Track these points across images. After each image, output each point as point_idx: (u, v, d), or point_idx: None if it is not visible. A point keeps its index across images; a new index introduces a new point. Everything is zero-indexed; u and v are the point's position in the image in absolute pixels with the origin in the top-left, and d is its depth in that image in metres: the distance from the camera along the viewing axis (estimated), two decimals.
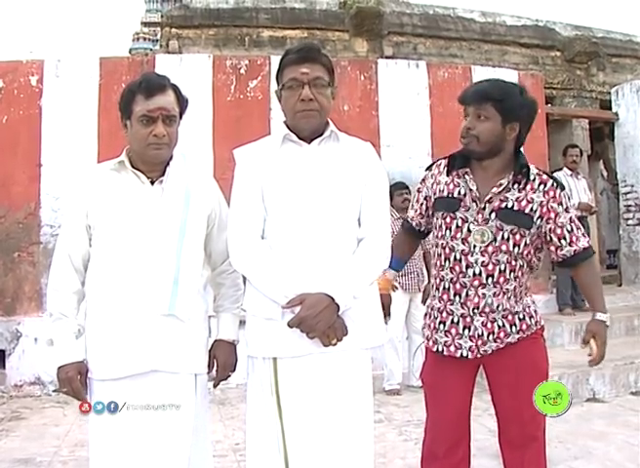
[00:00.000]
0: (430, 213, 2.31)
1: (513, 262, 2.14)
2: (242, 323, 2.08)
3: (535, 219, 2.13)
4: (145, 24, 48.40)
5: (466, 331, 2.17)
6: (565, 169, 6.64)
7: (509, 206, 2.12)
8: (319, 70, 1.94)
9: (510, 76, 6.79)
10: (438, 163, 2.31)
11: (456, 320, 2.18)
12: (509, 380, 2.18)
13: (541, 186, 2.15)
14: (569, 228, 2.16)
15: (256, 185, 1.95)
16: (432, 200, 2.26)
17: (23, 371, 5.36)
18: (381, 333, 2.03)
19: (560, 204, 2.15)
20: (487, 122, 2.10)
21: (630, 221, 7.65)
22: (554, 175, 6.48)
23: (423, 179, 2.35)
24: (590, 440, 3.81)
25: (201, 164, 5.51)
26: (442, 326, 2.20)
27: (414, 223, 2.40)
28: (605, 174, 12.08)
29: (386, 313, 2.29)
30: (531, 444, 2.19)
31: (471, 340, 2.16)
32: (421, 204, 2.34)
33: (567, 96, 11.19)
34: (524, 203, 2.12)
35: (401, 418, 4.41)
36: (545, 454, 2.26)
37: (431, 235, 2.34)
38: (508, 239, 2.13)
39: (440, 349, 2.20)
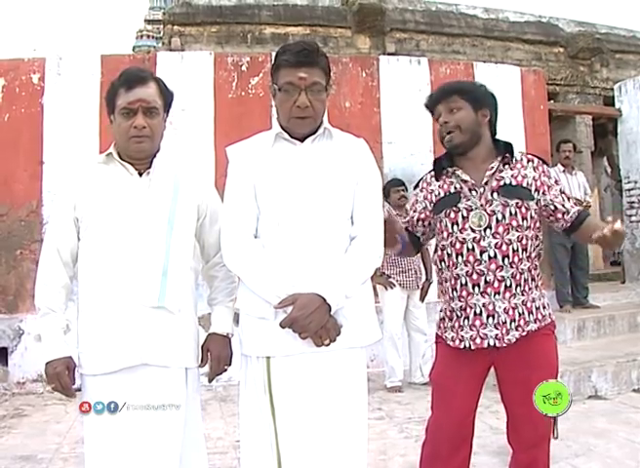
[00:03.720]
0: (427, 223, 2.34)
1: (524, 240, 2.17)
2: (237, 320, 2.07)
3: (532, 193, 2.20)
4: (149, 22, 48.41)
5: (490, 319, 2.16)
6: (558, 165, 6.57)
7: (507, 182, 2.18)
8: (317, 75, 1.91)
9: (513, 73, 6.79)
10: (424, 178, 2.39)
11: (478, 311, 2.18)
12: (521, 378, 2.17)
13: (530, 163, 2.25)
14: (564, 196, 2.27)
15: (248, 184, 1.94)
16: (430, 208, 2.29)
17: (26, 369, 5.36)
18: (375, 331, 2.01)
19: (549, 177, 2.26)
20: (460, 111, 2.20)
21: (634, 218, 7.63)
22: None
23: (414, 199, 2.39)
24: (592, 437, 3.79)
25: (202, 161, 5.51)
26: (466, 321, 2.20)
27: (409, 227, 2.39)
28: (609, 170, 12.04)
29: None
30: (542, 443, 2.20)
31: (496, 328, 2.16)
32: (412, 216, 2.37)
33: (570, 92, 11.17)
34: (520, 178, 2.20)
35: (402, 416, 4.40)
36: (549, 454, 2.26)
37: (435, 243, 2.34)
38: (516, 214, 2.17)
39: (468, 345, 2.19)
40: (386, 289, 5.19)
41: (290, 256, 1.87)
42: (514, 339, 2.15)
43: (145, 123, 1.95)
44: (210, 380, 2.10)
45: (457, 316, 2.23)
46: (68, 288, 2.04)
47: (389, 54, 9.41)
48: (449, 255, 2.23)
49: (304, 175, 1.91)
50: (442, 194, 2.24)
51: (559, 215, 2.24)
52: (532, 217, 2.19)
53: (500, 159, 2.21)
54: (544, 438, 2.21)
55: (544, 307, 2.24)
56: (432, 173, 2.33)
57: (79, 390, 2.01)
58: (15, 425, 4.39)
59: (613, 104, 8.19)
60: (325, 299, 1.81)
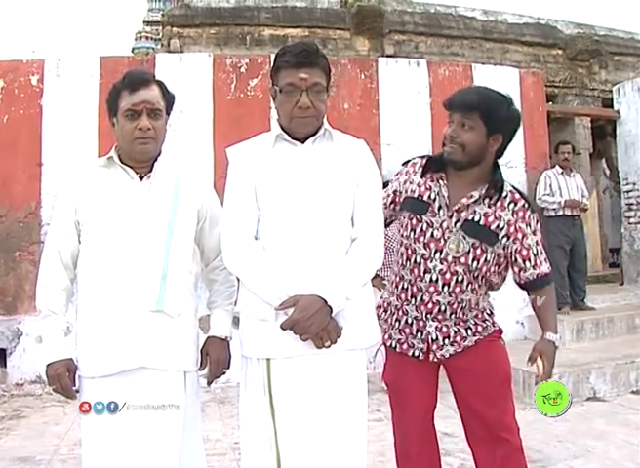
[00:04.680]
0: (397, 207, 2.31)
1: (470, 275, 2.14)
2: (237, 322, 2.07)
3: (500, 237, 2.12)
4: (148, 23, 48.50)
5: (419, 333, 2.18)
6: (557, 166, 6.58)
7: (476, 219, 2.11)
8: (317, 75, 1.91)
9: (511, 74, 6.79)
10: (414, 161, 2.30)
11: (409, 321, 2.19)
12: (470, 383, 2.18)
13: (512, 205, 2.14)
14: (534, 251, 2.16)
15: (249, 185, 1.94)
16: (401, 197, 2.26)
17: (24, 370, 5.35)
18: (375, 333, 2.02)
19: (528, 225, 2.15)
20: (471, 132, 2.08)
21: (632, 220, 7.62)
22: (545, 173, 6.47)
23: (398, 173, 2.34)
24: (590, 439, 3.80)
25: (201, 163, 5.50)
26: (397, 323, 2.22)
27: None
28: (607, 172, 12.05)
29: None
30: (500, 445, 2.16)
31: (423, 343, 2.18)
32: (388, 195, 2.32)
33: (569, 94, 11.16)
34: (491, 219, 2.12)
35: None
36: (525, 459, 2.22)
37: (396, 231, 2.33)
38: (469, 252, 2.12)
39: (394, 345, 2.23)
40: (380, 290, 5.18)
41: (290, 258, 1.87)
42: (447, 355, 2.16)
43: (150, 124, 1.96)
44: (208, 383, 2.11)
45: (391, 311, 2.25)
46: (69, 290, 2.05)
47: (388, 55, 9.41)
48: (402, 254, 2.22)
49: (305, 177, 1.91)
50: (416, 194, 2.19)
51: (515, 269, 2.19)
52: (486, 261, 2.14)
53: (485, 190, 2.13)
54: (502, 440, 2.16)
55: (485, 320, 2.22)
56: (423, 162, 2.24)
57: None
58: (13, 427, 4.39)
59: (611, 106, 8.19)
60: (326, 301, 1.81)
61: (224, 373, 2.13)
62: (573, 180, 6.57)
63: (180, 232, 2.02)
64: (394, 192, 2.31)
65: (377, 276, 5.49)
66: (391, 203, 2.31)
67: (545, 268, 2.19)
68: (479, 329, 2.19)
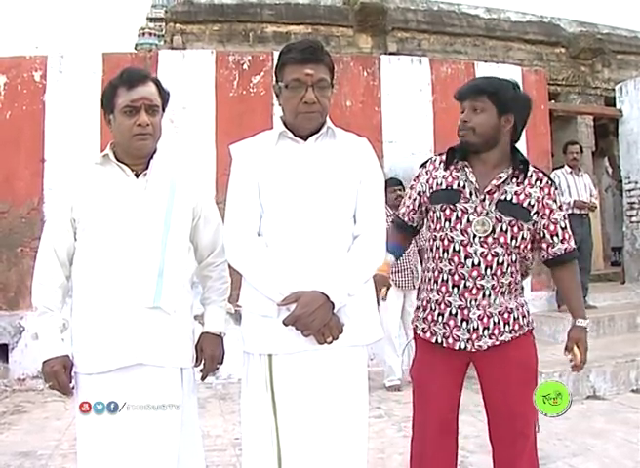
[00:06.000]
0: (424, 208, 2.33)
1: (508, 256, 2.16)
2: (238, 318, 2.07)
3: (531, 214, 2.17)
4: (151, 20, 48.48)
5: (464, 323, 2.17)
6: (565, 166, 6.61)
7: (508, 198, 2.16)
8: (322, 71, 1.92)
9: (514, 72, 6.79)
10: (433, 159, 2.35)
11: (454, 312, 2.18)
12: (500, 377, 2.18)
13: (538, 182, 2.21)
14: (562, 225, 2.22)
15: (252, 182, 1.95)
16: (428, 194, 2.27)
17: (26, 365, 5.37)
18: (377, 330, 2.02)
19: (555, 201, 2.22)
20: (483, 114, 2.16)
21: (634, 218, 7.63)
22: (554, 172, 6.51)
23: (417, 176, 2.38)
24: (589, 437, 3.80)
25: (203, 159, 5.49)
26: (440, 317, 2.21)
27: (406, 219, 2.41)
28: (610, 170, 12.04)
29: (379, 294, 2.25)
30: (519, 440, 2.19)
31: (469, 333, 2.17)
32: (414, 199, 2.36)
33: (571, 92, 11.17)
34: (522, 196, 2.17)
35: (401, 414, 4.40)
36: (537, 453, 2.25)
37: (426, 229, 2.35)
38: (507, 231, 2.15)
39: (439, 341, 2.21)
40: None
41: (293, 255, 1.88)
42: (485, 347, 2.17)
43: (149, 120, 1.97)
44: (202, 379, 2.14)
45: (431, 308, 2.24)
46: (65, 287, 2.04)
47: (391, 53, 9.40)
48: (437, 248, 2.23)
49: (308, 174, 1.92)
50: (444, 186, 2.22)
51: (544, 245, 2.23)
52: (523, 238, 2.17)
53: (511, 171, 2.18)
54: (523, 435, 2.19)
55: (524, 316, 2.24)
56: (443, 158, 2.29)
57: None
58: (15, 422, 4.40)
59: (614, 105, 8.19)
60: (328, 297, 1.82)
61: (217, 369, 2.15)
62: (581, 180, 6.59)
63: (177, 229, 2.03)
64: (419, 194, 2.32)
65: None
66: (419, 205, 2.34)
67: (572, 243, 2.25)
68: (516, 327, 2.19)
